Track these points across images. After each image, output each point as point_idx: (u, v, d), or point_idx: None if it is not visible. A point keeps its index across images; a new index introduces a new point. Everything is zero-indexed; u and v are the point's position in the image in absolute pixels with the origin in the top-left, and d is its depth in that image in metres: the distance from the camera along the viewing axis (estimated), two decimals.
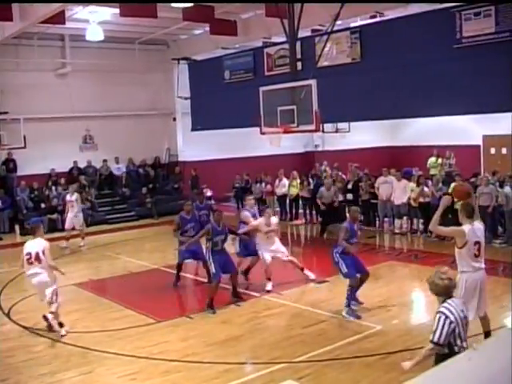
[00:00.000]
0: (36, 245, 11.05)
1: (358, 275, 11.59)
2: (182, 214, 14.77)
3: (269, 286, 13.38)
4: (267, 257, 13.47)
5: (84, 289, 14.44)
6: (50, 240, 20.33)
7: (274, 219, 14.04)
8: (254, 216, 14.23)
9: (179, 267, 14.37)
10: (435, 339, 6.09)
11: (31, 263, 10.93)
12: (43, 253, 10.91)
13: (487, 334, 8.70)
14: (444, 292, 6.30)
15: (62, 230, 22.35)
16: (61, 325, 10.86)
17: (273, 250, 13.60)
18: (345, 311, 11.27)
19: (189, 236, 14.10)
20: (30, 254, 10.94)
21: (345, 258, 11.54)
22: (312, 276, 13.93)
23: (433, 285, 6.35)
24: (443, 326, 6.10)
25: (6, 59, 24.07)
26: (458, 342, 6.14)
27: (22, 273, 16.05)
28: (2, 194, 23.01)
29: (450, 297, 6.31)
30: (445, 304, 6.24)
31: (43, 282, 10.92)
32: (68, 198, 20.28)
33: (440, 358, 5.98)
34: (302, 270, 14.08)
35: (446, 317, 6.11)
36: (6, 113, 23.53)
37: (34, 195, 24.04)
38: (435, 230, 9.00)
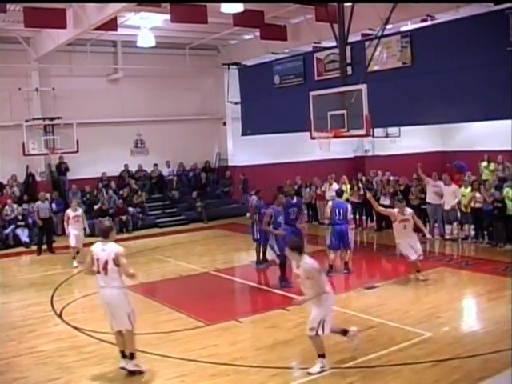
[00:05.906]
0: (107, 251, 9.07)
1: None
2: (274, 207, 14.49)
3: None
4: (412, 255, 14.09)
5: (134, 291, 14.44)
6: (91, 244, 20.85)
7: (409, 210, 14.56)
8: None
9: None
10: None
11: (98, 272, 9.11)
12: (114, 261, 8.98)
13: None
14: None
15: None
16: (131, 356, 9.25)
17: (412, 245, 14.19)
18: None
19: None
20: (98, 260, 9.05)
21: None
22: None
23: None
24: None
25: (59, 65, 24.62)
26: None
27: (74, 274, 16.50)
28: (57, 197, 23.32)
29: None
30: None
31: (115, 300, 9.26)
32: (71, 213, 18.11)
33: None
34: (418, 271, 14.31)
35: None
36: (59, 118, 23.95)
37: (86, 198, 24.46)
38: None
